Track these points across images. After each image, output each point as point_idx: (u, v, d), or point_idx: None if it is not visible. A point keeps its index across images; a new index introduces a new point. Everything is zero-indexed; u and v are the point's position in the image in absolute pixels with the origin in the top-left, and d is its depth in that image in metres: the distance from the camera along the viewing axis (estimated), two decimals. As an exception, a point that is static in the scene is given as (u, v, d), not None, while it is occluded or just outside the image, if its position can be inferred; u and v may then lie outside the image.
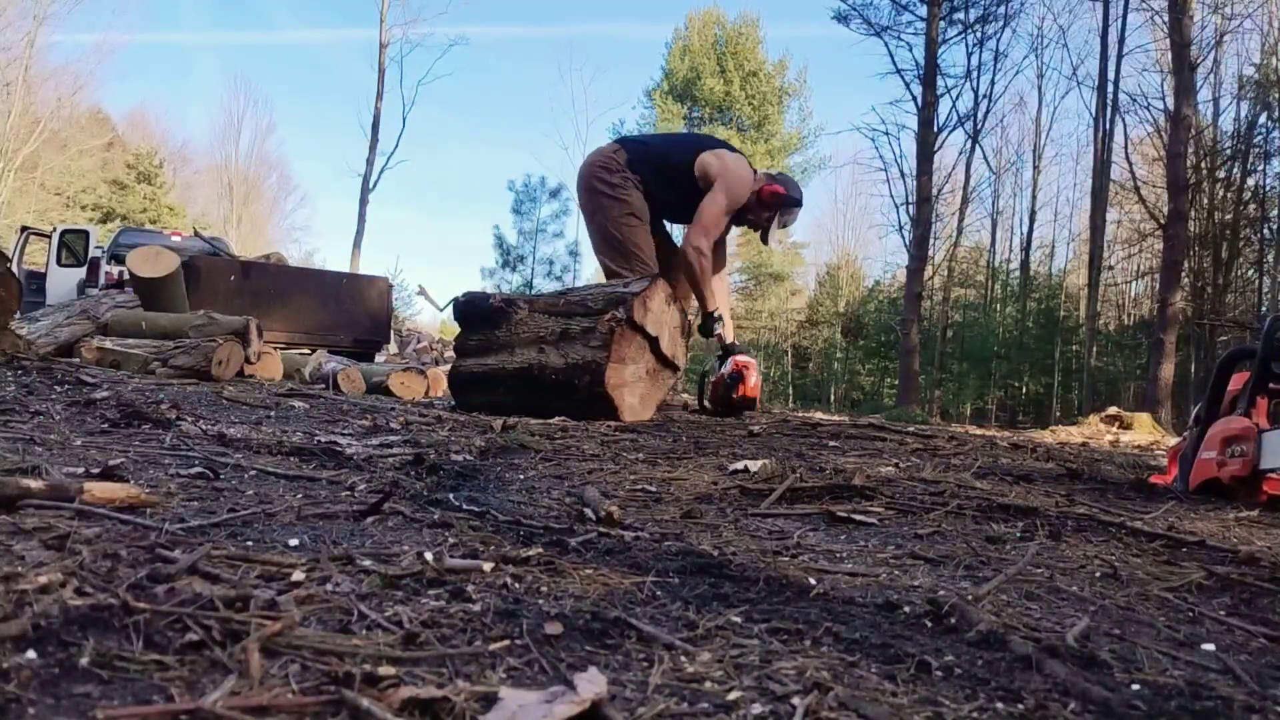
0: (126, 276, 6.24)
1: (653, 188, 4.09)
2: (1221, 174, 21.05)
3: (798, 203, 4.26)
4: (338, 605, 0.84)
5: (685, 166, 4.05)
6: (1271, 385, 2.34)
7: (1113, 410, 10.03)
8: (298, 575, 0.92)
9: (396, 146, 39.01)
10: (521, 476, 1.94)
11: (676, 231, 4.53)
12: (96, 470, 1.47)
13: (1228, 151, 21.28)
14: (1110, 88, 20.85)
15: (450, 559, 1.05)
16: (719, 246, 4.44)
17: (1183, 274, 16.93)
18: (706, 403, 4.28)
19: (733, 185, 4.01)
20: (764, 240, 4.37)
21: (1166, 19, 16.21)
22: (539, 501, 1.65)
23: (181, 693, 0.63)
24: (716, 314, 4.09)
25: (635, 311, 3.40)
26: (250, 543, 1.09)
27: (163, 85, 70.33)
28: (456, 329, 4.05)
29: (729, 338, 4.33)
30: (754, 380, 4.05)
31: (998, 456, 3.02)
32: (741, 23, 31.86)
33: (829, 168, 34.90)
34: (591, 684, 0.68)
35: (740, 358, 4.10)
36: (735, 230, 4.59)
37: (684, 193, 4.09)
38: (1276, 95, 20.32)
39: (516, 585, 0.99)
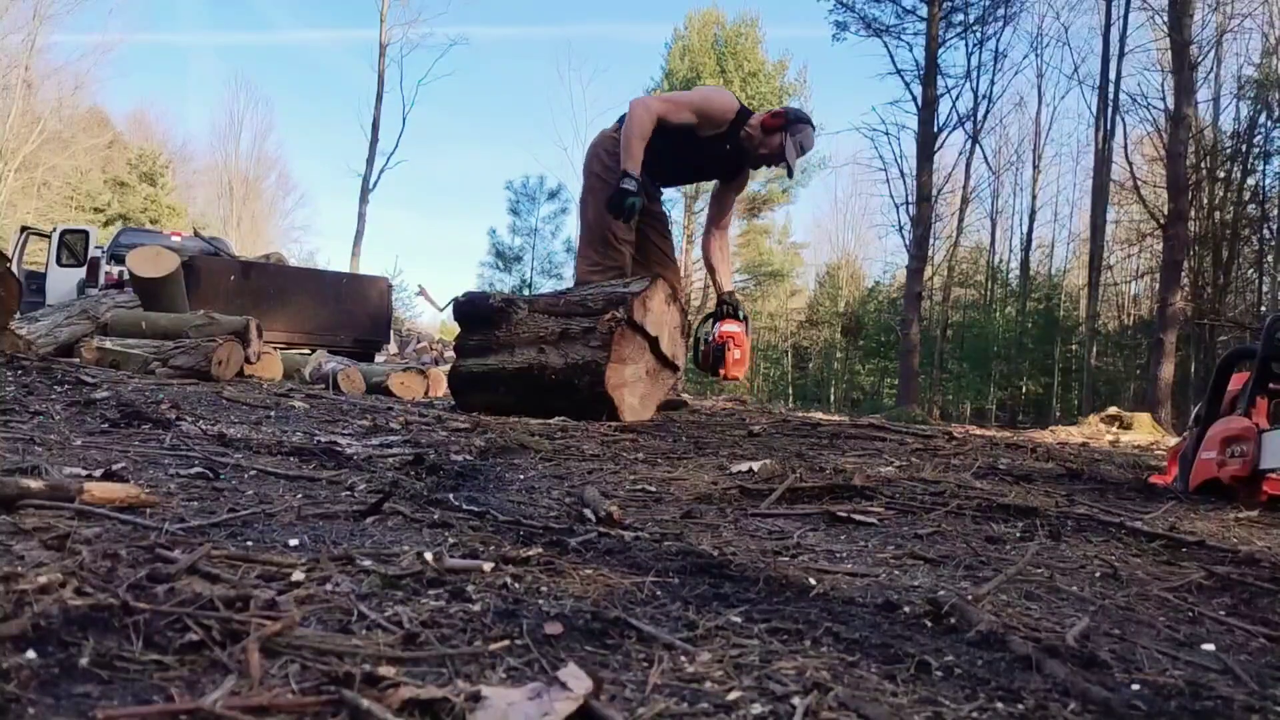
0: (126, 276, 6.23)
1: (654, 157, 3.95)
2: (1221, 174, 21.06)
3: (804, 119, 4.05)
4: (338, 605, 0.84)
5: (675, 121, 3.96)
6: (1271, 385, 2.34)
7: (1113, 410, 10.03)
8: (298, 575, 0.92)
9: (396, 146, 39.05)
10: (521, 476, 1.94)
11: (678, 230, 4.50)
12: (97, 470, 1.47)
13: (1228, 151, 21.28)
14: (1111, 87, 20.89)
15: (450, 559, 1.05)
16: (723, 202, 4.37)
17: (1183, 274, 16.92)
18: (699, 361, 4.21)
19: (706, 94, 3.95)
20: (789, 174, 4.23)
21: (1167, 18, 16.22)
22: (539, 501, 1.65)
23: (181, 693, 0.63)
24: (633, 179, 3.74)
25: (635, 311, 3.40)
26: (250, 543, 1.09)
27: (162, 85, 70.56)
28: (456, 329, 4.05)
29: (726, 286, 4.24)
30: (737, 355, 3.95)
31: (997, 456, 3.02)
32: (741, 23, 31.85)
33: (829, 167, 34.82)
34: (579, 680, 0.68)
35: (728, 326, 4.01)
36: (735, 230, 4.55)
37: (681, 149, 3.99)
38: (1276, 95, 20.32)
39: (516, 585, 0.99)
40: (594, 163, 4.11)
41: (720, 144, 3.98)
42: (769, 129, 3.97)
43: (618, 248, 3.97)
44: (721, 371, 3.95)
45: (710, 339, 4.07)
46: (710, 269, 4.40)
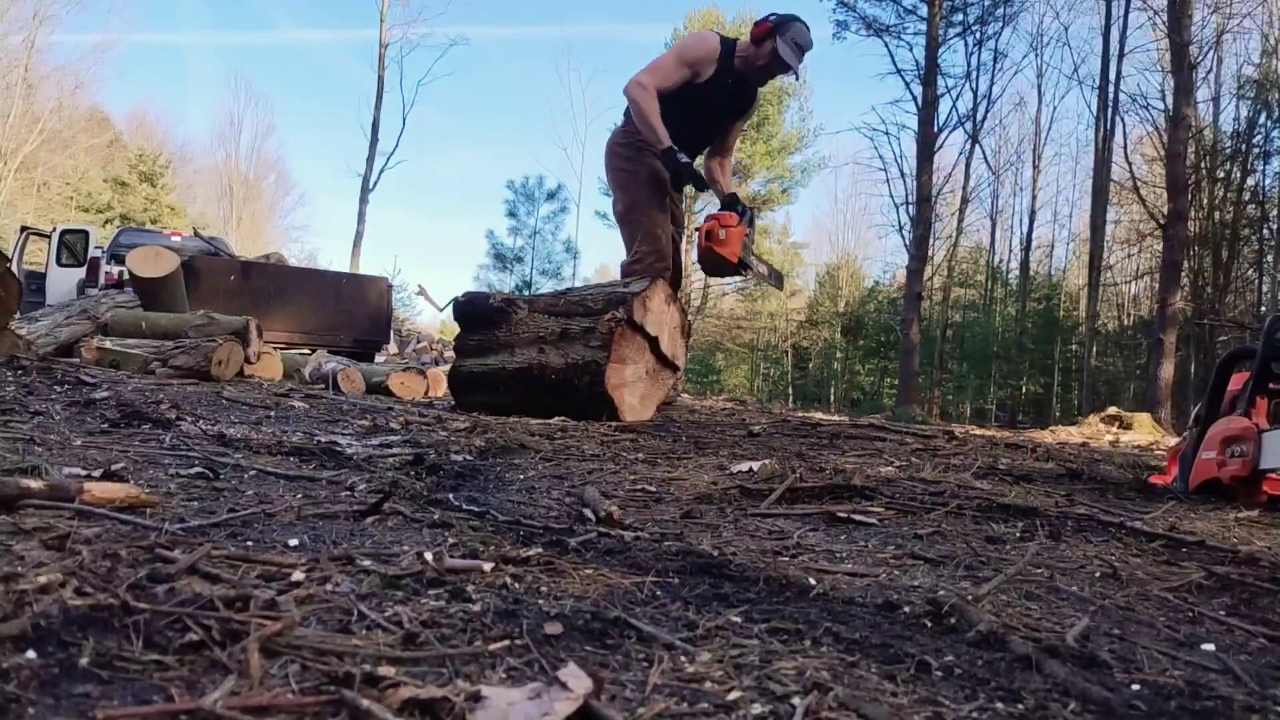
0: (126, 276, 6.24)
1: (676, 126, 3.90)
2: (1221, 174, 21.05)
3: (791, 16, 3.95)
4: (338, 605, 0.84)
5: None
6: (1271, 385, 2.34)
7: (1113, 410, 10.02)
8: (298, 575, 0.92)
9: (396, 146, 39.02)
10: (521, 476, 1.94)
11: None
12: (97, 471, 1.47)
13: (1227, 151, 21.28)
14: (1111, 87, 20.88)
15: (450, 559, 1.05)
16: (729, 133, 4.29)
17: (1182, 274, 16.93)
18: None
19: (682, 43, 3.89)
20: (795, 76, 4.10)
21: (1166, 19, 16.22)
22: (539, 501, 1.65)
23: (181, 693, 0.63)
24: (674, 149, 3.77)
25: (635, 311, 3.41)
26: (250, 543, 1.09)
27: (162, 85, 70.62)
28: (456, 329, 4.05)
29: (729, 189, 4.18)
30: (722, 235, 3.83)
31: (997, 456, 3.02)
32: (741, 22, 31.75)
33: (829, 167, 34.88)
34: (579, 680, 0.68)
35: (717, 212, 3.97)
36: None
37: (694, 104, 3.93)
38: (1276, 95, 20.32)
39: (516, 585, 0.99)
40: (614, 159, 4.10)
41: (723, 79, 3.94)
42: (758, 39, 3.91)
43: (655, 234, 3.96)
44: (702, 244, 3.86)
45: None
46: (712, 181, 4.29)
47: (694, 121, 4.00)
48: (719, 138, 4.30)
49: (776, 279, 4.80)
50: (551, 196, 28.68)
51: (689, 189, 4.44)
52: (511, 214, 28.44)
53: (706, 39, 3.96)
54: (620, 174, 4.08)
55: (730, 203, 4.03)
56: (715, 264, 3.94)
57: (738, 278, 4.21)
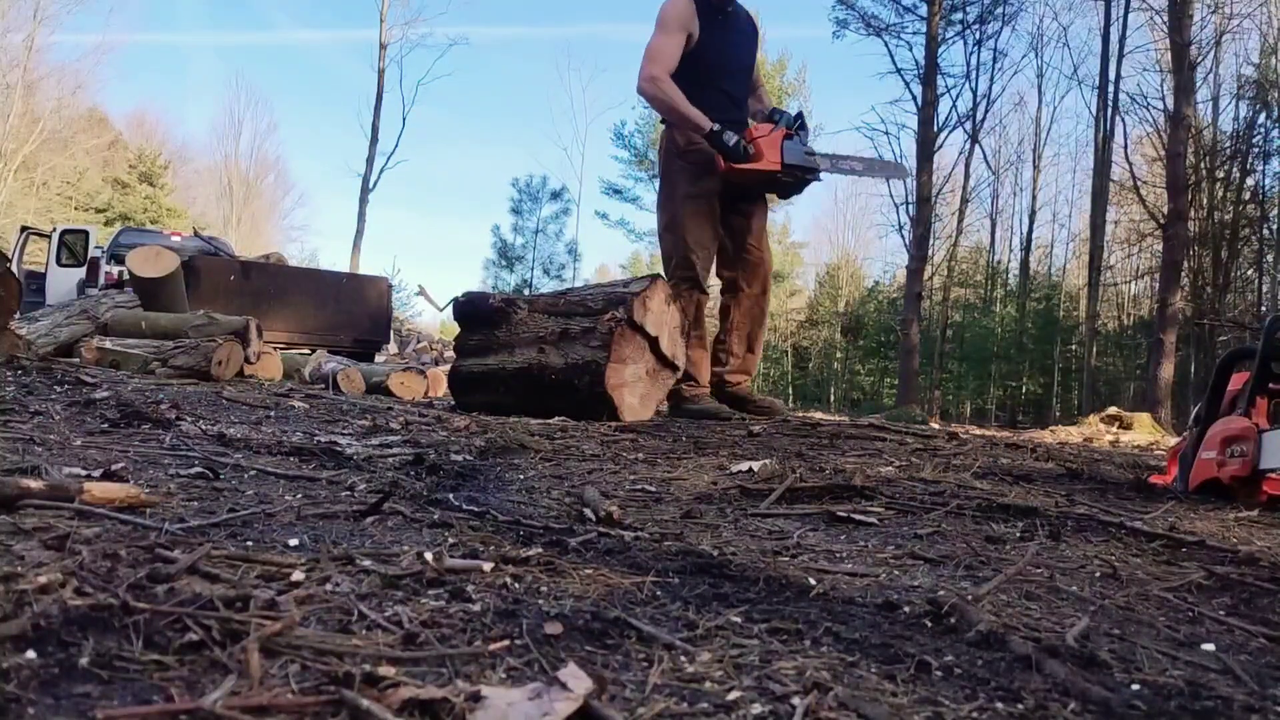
0: (126, 276, 6.24)
1: (711, 98, 3.77)
2: (1221, 174, 21.07)
3: None
4: (338, 605, 0.84)
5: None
6: (1271, 385, 2.34)
7: (1113, 410, 10.04)
8: (298, 575, 0.92)
9: (396, 146, 38.89)
10: (521, 476, 1.94)
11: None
12: (97, 471, 1.47)
13: (1227, 151, 21.29)
14: (1111, 88, 20.90)
15: (450, 559, 1.05)
16: (752, 77, 4.12)
17: (1182, 274, 16.94)
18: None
19: (661, 18, 3.75)
20: None
21: (1166, 19, 16.23)
22: (539, 501, 1.65)
23: (181, 693, 0.63)
24: (717, 129, 3.59)
25: (635, 311, 3.40)
26: (250, 543, 1.09)
27: (162, 85, 70.76)
28: (456, 329, 4.05)
29: (770, 107, 3.99)
30: (767, 148, 3.58)
31: (997, 456, 3.02)
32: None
33: (829, 167, 34.79)
34: (579, 680, 0.68)
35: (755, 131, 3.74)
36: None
37: (714, 60, 3.80)
38: (1276, 95, 20.32)
39: (516, 585, 0.99)
40: (663, 162, 3.94)
41: (710, 19, 3.80)
42: None
43: (691, 259, 3.83)
44: (721, 169, 3.67)
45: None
46: (752, 113, 4.11)
47: (716, 79, 3.83)
48: (749, 76, 4.10)
49: (886, 169, 4.38)
50: (555, 196, 28.76)
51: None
52: (515, 211, 28.57)
53: (670, 4, 3.78)
54: (665, 187, 3.93)
55: (768, 116, 3.86)
56: (751, 180, 3.73)
57: (817, 182, 3.90)
